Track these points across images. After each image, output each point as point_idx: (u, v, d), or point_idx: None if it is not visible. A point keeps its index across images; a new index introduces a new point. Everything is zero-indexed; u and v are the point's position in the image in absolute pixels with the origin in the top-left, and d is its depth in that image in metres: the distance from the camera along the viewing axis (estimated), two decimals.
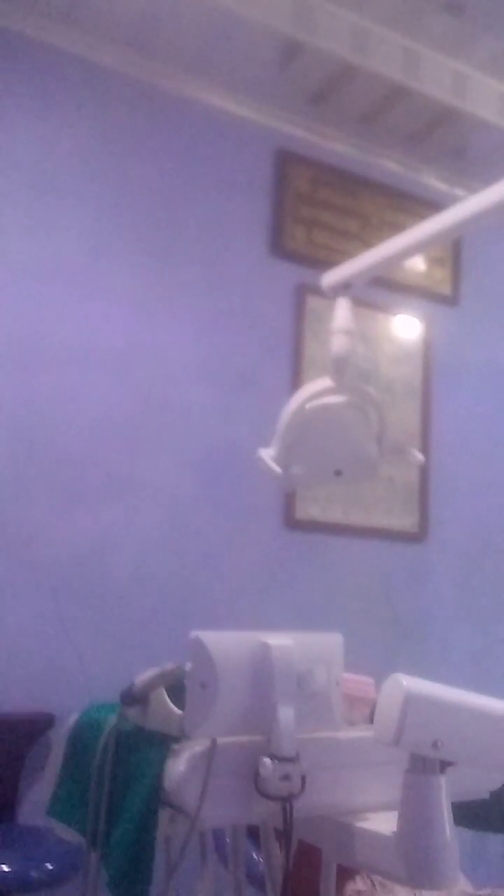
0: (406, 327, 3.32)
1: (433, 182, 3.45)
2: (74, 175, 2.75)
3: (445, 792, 1.06)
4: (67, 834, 1.37)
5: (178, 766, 1.08)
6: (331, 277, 1.78)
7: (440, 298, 3.42)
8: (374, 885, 1.85)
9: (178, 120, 2.94)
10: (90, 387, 2.69)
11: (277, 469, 1.67)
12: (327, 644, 1.22)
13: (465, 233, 2.07)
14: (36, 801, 2.12)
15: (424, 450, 3.22)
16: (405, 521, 3.22)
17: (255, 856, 1.92)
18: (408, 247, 1.67)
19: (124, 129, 2.85)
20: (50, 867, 2.07)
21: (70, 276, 2.70)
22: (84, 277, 2.72)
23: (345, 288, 1.78)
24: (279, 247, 3.07)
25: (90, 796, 1.17)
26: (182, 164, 2.94)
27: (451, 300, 3.45)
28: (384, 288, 3.21)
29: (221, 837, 1.74)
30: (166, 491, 2.77)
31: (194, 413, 2.85)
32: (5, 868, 2.03)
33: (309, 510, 3.02)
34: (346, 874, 1.82)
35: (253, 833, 1.57)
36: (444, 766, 1.06)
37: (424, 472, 3.25)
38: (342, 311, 1.75)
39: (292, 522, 2.98)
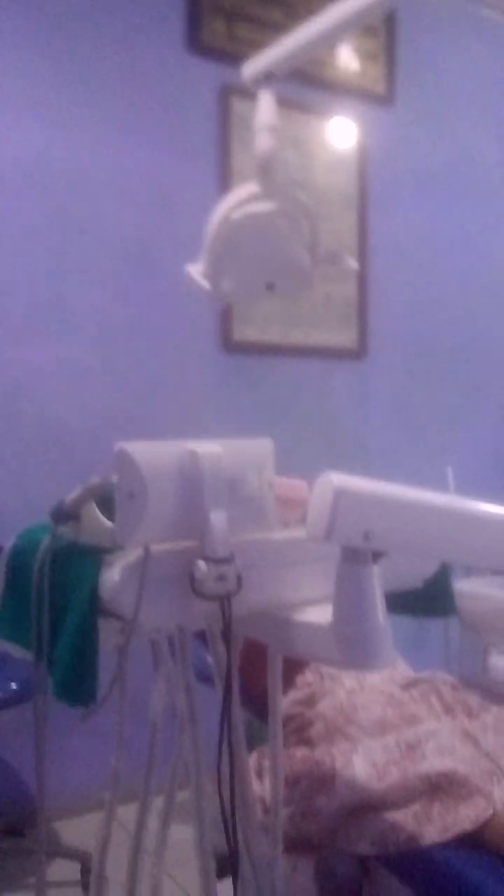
0: (340, 131, 3.13)
1: None
2: None
3: (377, 580, 1.09)
4: (18, 653, 1.40)
5: (113, 576, 1.09)
6: (252, 67, 1.65)
7: (375, 98, 3.22)
8: (322, 676, 1.97)
9: None
10: (1, 206, 2.51)
11: (206, 284, 1.60)
12: (257, 449, 1.21)
13: (396, 6, 1.91)
14: None
15: (362, 263, 3.15)
16: (344, 338, 3.19)
17: (208, 659, 2.02)
18: (333, 26, 1.54)
19: None
20: (14, 686, 2.18)
21: None
22: None
23: (267, 78, 1.65)
24: (198, 43, 2.80)
25: (31, 613, 1.18)
26: None
27: (386, 99, 3.25)
28: (315, 87, 2.99)
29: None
30: (95, 317, 2.67)
31: (117, 232, 2.70)
32: None
33: (246, 332, 2.96)
34: (296, 668, 1.92)
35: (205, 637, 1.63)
36: (375, 556, 1.09)
37: (362, 287, 3.19)
38: (266, 105, 1.63)
39: (230, 345, 2.93)
